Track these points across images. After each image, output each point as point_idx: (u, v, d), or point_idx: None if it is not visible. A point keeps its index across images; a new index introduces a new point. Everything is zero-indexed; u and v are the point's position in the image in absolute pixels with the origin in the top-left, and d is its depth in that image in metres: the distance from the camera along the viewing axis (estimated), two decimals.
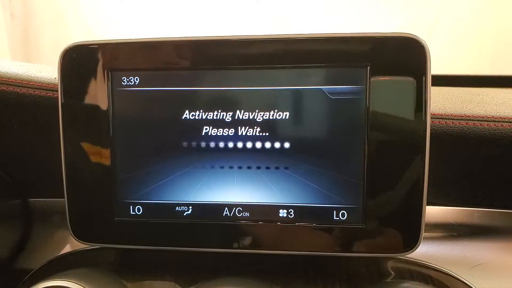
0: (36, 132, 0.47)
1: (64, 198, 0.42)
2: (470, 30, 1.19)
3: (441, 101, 0.48)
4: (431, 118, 0.39)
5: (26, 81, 0.45)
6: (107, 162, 0.41)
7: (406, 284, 0.40)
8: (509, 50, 1.17)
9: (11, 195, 0.51)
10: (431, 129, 0.38)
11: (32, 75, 0.46)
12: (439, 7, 1.20)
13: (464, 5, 1.20)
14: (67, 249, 0.51)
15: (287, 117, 0.39)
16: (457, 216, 0.47)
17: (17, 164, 0.50)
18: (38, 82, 0.46)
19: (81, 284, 0.40)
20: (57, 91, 0.40)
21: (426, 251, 0.46)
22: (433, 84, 0.38)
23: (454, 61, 1.21)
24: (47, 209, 0.51)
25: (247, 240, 0.40)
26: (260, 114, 0.39)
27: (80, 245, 0.48)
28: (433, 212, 0.47)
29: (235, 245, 0.40)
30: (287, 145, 0.39)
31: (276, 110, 0.39)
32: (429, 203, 0.45)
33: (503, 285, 0.45)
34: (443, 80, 0.93)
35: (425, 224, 0.38)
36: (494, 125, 0.43)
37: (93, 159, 0.41)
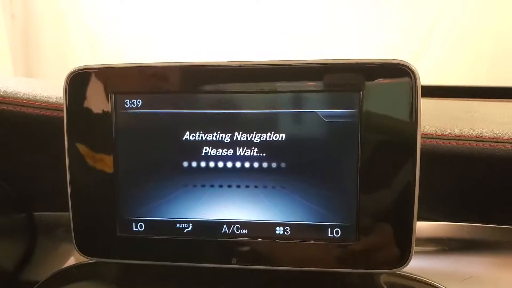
0: (42, 149, 0.49)
1: (68, 212, 0.44)
2: (470, 30, 1.20)
3: (433, 119, 0.50)
4: (422, 138, 0.41)
5: (33, 101, 0.47)
6: (110, 180, 0.42)
7: None
8: (509, 50, 1.18)
9: (16, 209, 0.53)
10: (422, 148, 0.39)
11: (38, 94, 0.48)
12: (439, 7, 1.21)
13: (464, 5, 1.21)
14: (71, 262, 0.53)
15: (283, 139, 0.40)
16: (448, 231, 0.49)
17: (23, 179, 0.52)
18: (44, 102, 0.47)
19: None
20: (62, 110, 0.42)
21: (418, 265, 0.48)
22: (428, 95, 0.40)
23: (454, 61, 1.23)
24: (51, 222, 0.53)
25: (245, 256, 0.42)
26: (258, 136, 0.40)
27: (83, 259, 0.50)
28: (424, 227, 0.49)
29: (234, 260, 0.42)
30: (283, 165, 0.41)
31: (273, 132, 0.40)
32: (420, 218, 0.46)
33: None
34: (438, 91, 0.95)
35: (417, 239, 0.40)
36: (483, 144, 0.45)
37: (97, 177, 0.43)
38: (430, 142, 0.45)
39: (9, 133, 0.48)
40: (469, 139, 0.45)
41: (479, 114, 0.54)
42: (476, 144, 0.45)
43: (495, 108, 0.60)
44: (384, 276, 0.46)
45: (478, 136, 0.45)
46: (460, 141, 0.45)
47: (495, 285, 0.47)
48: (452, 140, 0.45)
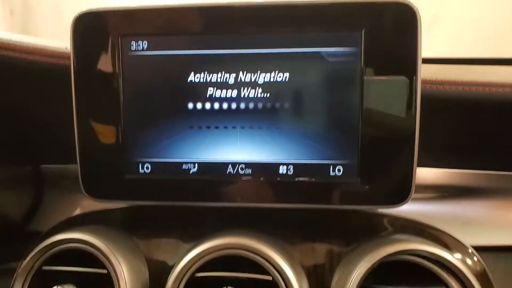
0: (48, 99, 0.50)
1: (74, 164, 0.45)
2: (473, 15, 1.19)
3: (433, 70, 0.50)
4: (422, 83, 0.42)
5: (39, 49, 0.48)
6: (117, 123, 0.43)
7: (398, 237, 0.43)
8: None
9: (23, 161, 0.53)
10: (423, 94, 0.40)
11: (44, 44, 0.49)
12: None
13: None
14: (77, 212, 0.54)
15: (287, 79, 0.41)
16: (447, 178, 0.50)
17: (30, 131, 0.53)
18: (50, 50, 0.48)
19: (95, 237, 0.43)
20: (68, 59, 0.43)
21: (418, 211, 0.49)
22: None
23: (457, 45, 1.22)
24: (58, 174, 0.54)
25: (250, 195, 0.43)
26: (262, 76, 0.41)
27: (90, 209, 0.52)
28: (424, 174, 0.50)
29: (238, 199, 0.43)
30: (286, 105, 0.41)
31: (276, 72, 0.41)
32: (420, 165, 0.47)
33: (491, 241, 0.48)
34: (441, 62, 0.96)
35: (417, 186, 0.41)
36: (482, 89, 0.46)
37: (104, 120, 0.43)
38: (430, 87, 0.46)
39: (15, 81, 0.49)
40: (470, 84, 0.46)
41: (479, 70, 0.55)
42: (476, 89, 0.45)
43: (497, 69, 0.61)
44: (385, 218, 0.47)
45: (479, 81, 0.46)
46: (460, 86, 0.46)
47: (493, 229, 0.48)
48: (453, 85, 0.46)
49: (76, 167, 0.45)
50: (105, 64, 0.42)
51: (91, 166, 0.44)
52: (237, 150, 0.43)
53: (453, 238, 0.46)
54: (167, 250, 0.47)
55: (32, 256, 0.43)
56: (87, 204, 0.53)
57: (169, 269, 0.43)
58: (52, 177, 0.54)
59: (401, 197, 0.41)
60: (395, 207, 0.41)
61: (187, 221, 0.48)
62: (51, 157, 0.54)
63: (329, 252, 0.45)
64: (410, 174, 0.41)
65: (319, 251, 0.45)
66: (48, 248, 0.43)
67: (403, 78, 0.40)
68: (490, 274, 0.43)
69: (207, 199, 0.43)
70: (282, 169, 0.43)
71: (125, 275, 0.42)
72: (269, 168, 0.43)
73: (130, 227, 0.48)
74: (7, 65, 0.47)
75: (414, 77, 0.39)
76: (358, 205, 0.42)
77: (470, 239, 0.46)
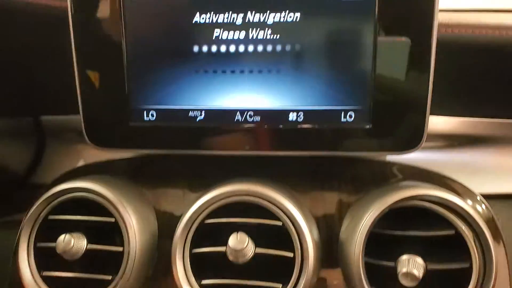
0: (48, 46, 0.47)
1: (76, 114, 0.43)
2: None
3: (446, 16, 0.48)
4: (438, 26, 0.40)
5: None
6: (120, 69, 0.41)
7: (408, 183, 0.43)
8: None
9: (23, 113, 0.52)
10: (438, 37, 0.38)
11: None
12: None
13: None
14: (81, 164, 0.53)
15: (297, 19, 0.39)
16: (457, 126, 0.49)
17: (29, 81, 0.51)
18: None
19: (101, 186, 0.42)
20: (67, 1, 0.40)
21: (427, 159, 0.49)
22: None
23: None
24: (60, 126, 0.53)
25: (258, 143, 0.42)
26: (271, 16, 0.39)
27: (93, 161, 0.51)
28: (435, 122, 0.49)
29: (246, 147, 0.42)
30: (297, 47, 0.40)
31: (287, 12, 0.39)
32: (432, 114, 0.46)
33: (499, 189, 0.48)
34: None
35: (428, 134, 0.40)
36: (499, 32, 0.44)
37: (106, 66, 0.42)
38: (445, 31, 0.44)
39: (12, 29, 0.46)
40: (487, 26, 0.44)
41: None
42: (492, 32, 0.44)
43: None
44: (395, 166, 0.46)
45: (492, 23, 0.44)
46: (476, 29, 0.44)
47: (502, 177, 0.48)
48: (468, 28, 0.44)
49: (78, 118, 0.43)
50: (105, 6, 0.40)
51: (94, 114, 0.43)
52: (245, 96, 0.41)
53: (462, 185, 0.46)
54: (175, 200, 0.47)
55: (38, 205, 0.42)
56: (90, 156, 0.52)
57: (177, 218, 0.43)
58: (53, 129, 0.53)
59: (413, 144, 0.40)
60: (407, 153, 0.41)
61: (194, 171, 0.47)
62: (52, 108, 0.52)
63: (338, 199, 0.45)
64: (422, 121, 0.40)
65: (329, 198, 0.45)
66: (54, 197, 0.42)
67: (419, 18, 0.38)
68: (498, 221, 0.44)
69: (214, 147, 0.42)
70: (292, 116, 0.41)
71: (134, 223, 0.41)
72: (279, 115, 0.41)
73: (136, 177, 0.47)
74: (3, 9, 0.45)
75: (431, 17, 0.37)
76: (370, 152, 0.41)
77: (479, 187, 0.47)
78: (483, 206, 0.44)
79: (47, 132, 0.53)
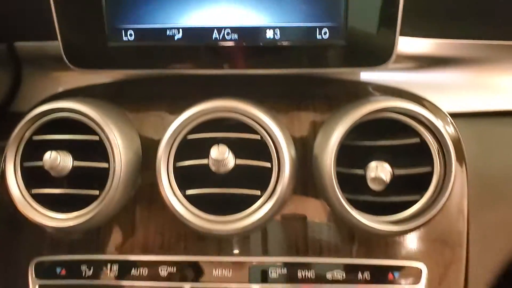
0: None
1: (53, 40, 0.43)
2: None
3: None
4: None
5: None
6: None
7: (379, 98, 0.45)
8: None
9: None
10: None
11: None
12: None
13: None
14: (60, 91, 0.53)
15: None
16: (428, 47, 0.51)
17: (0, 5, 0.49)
18: None
19: (85, 105, 0.43)
20: None
21: (397, 80, 0.51)
22: None
23: None
24: (35, 52, 0.52)
25: (236, 61, 0.43)
26: None
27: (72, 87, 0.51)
28: (406, 44, 0.51)
29: (225, 66, 0.43)
30: None
31: None
32: (403, 35, 0.48)
33: (464, 107, 0.51)
34: None
35: (398, 56, 0.42)
36: None
37: None
38: None
39: None
40: None
41: None
42: None
43: None
44: (369, 86, 0.49)
45: None
46: None
47: (467, 96, 0.51)
48: None
49: (55, 44, 0.43)
50: None
51: (72, 35, 0.43)
52: (223, 14, 0.42)
53: (430, 102, 0.49)
54: (157, 121, 0.48)
55: (22, 125, 0.43)
56: (70, 83, 0.52)
57: (159, 139, 0.44)
58: (29, 56, 0.52)
59: (384, 58, 0.42)
60: (379, 69, 0.43)
61: (175, 93, 0.49)
62: (26, 34, 0.51)
63: (313, 117, 0.47)
64: (393, 37, 0.41)
65: (304, 116, 0.47)
66: (38, 117, 0.43)
67: None
68: (461, 136, 0.47)
69: (192, 66, 0.43)
70: (269, 34, 0.42)
71: (118, 141, 0.43)
72: (256, 33, 0.42)
73: (118, 100, 0.48)
74: None
75: None
76: (344, 68, 0.43)
77: (446, 106, 0.50)
78: (449, 120, 0.48)
79: (23, 59, 0.52)
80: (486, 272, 0.48)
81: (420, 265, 0.44)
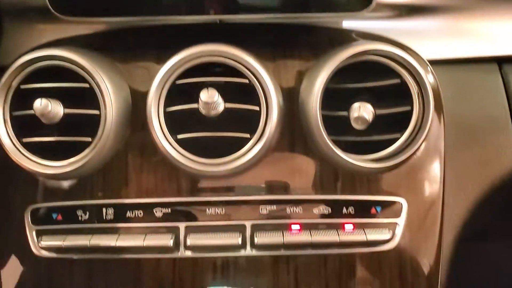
0: None
1: None
2: None
3: None
4: None
5: None
6: None
7: (361, 42, 0.47)
8: None
9: None
10: None
11: None
12: None
13: None
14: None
15: None
16: None
17: None
18: None
19: (74, 53, 0.43)
20: None
21: (377, 28, 0.52)
22: None
23: None
24: (18, 3, 0.51)
25: (223, 7, 0.44)
26: None
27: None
28: None
29: (211, 11, 0.44)
30: None
31: None
32: None
33: (443, 54, 0.53)
34: None
35: (376, 4, 0.43)
36: None
37: None
38: None
39: None
40: None
41: None
42: None
43: None
44: (352, 33, 0.50)
45: None
46: None
47: (445, 44, 0.53)
48: None
49: None
50: None
51: None
52: None
53: (411, 49, 0.51)
54: (144, 72, 0.48)
55: (10, 74, 0.43)
56: (53, 35, 0.51)
57: (147, 91, 0.45)
58: (11, 7, 0.51)
59: (364, 3, 0.44)
60: (360, 15, 0.44)
61: (161, 44, 0.49)
62: None
63: (298, 64, 0.49)
64: None
65: (289, 64, 0.49)
66: (25, 65, 0.43)
67: None
68: (439, 83, 0.50)
69: (179, 12, 0.44)
70: None
71: (108, 88, 0.43)
72: None
73: (105, 50, 0.48)
74: None
75: None
76: (326, 13, 0.44)
77: (425, 53, 0.52)
78: (428, 69, 0.50)
79: (4, 11, 0.51)
80: (461, 208, 0.52)
81: (401, 200, 0.47)
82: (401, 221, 0.47)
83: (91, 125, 0.44)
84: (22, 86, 0.44)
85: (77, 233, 0.45)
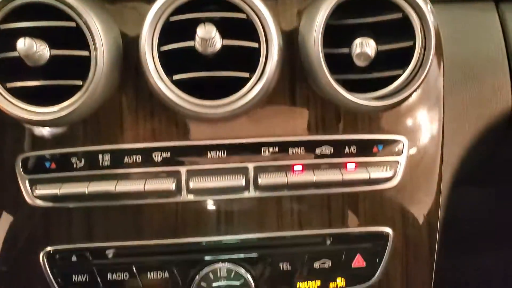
0: None
1: None
2: None
3: None
4: None
5: None
6: None
7: None
8: None
9: None
10: None
11: None
12: None
13: None
14: None
15: None
16: None
17: None
18: None
19: None
20: None
21: None
22: None
23: None
24: None
25: None
26: None
27: None
28: None
29: None
30: None
31: None
32: None
33: None
34: None
35: None
36: None
37: None
38: None
39: None
40: None
41: None
42: None
43: None
44: None
45: None
46: None
47: None
48: None
49: None
50: None
51: None
52: None
53: None
54: (134, 13, 0.46)
55: None
56: None
57: (138, 33, 0.42)
58: None
59: None
60: None
61: None
62: None
63: (297, 2, 0.47)
64: None
65: (288, 1, 0.47)
66: (4, 3, 0.40)
67: None
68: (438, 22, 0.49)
69: None
70: None
71: (98, 27, 0.41)
72: None
73: None
74: None
75: None
76: None
77: None
78: (429, 8, 0.49)
79: None
80: (458, 147, 0.53)
81: (402, 138, 0.47)
82: (402, 159, 0.47)
83: (80, 67, 0.41)
84: (2, 26, 0.40)
85: (74, 181, 0.43)
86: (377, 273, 0.46)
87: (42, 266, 0.44)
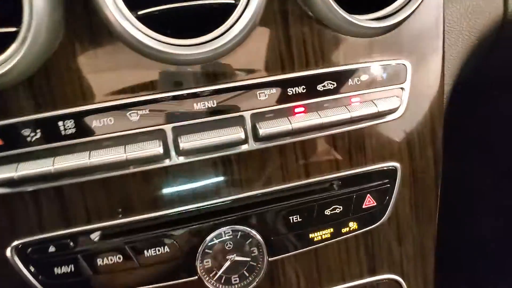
0: None
1: None
2: None
3: None
4: None
5: None
6: None
7: None
8: None
9: None
10: None
11: None
12: None
13: None
14: None
15: None
16: None
17: None
18: None
19: None
20: None
21: None
22: None
23: None
24: None
25: None
26: None
27: None
28: None
29: None
30: None
31: None
32: None
33: None
34: None
35: None
36: None
37: None
38: None
39: None
40: None
41: None
42: None
43: None
44: None
45: None
46: None
47: None
48: None
49: None
50: None
51: None
52: None
53: None
54: None
55: None
56: None
57: None
58: None
59: None
60: None
61: None
62: None
63: None
64: None
65: None
66: None
67: None
68: None
69: None
70: None
71: None
72: None
73: None
74: None
75: None
76: None
77: None
78: None
79: None
80: (456, 58, 0.50)
81: (405, 62, 0.42)
82: (406, 85, 0.42)
83: (9, 12, 0.31)
84: None
85: (32, 158, 0.34)
86: (388, 210, 0.44)
87: (12, 263, 0.36)
